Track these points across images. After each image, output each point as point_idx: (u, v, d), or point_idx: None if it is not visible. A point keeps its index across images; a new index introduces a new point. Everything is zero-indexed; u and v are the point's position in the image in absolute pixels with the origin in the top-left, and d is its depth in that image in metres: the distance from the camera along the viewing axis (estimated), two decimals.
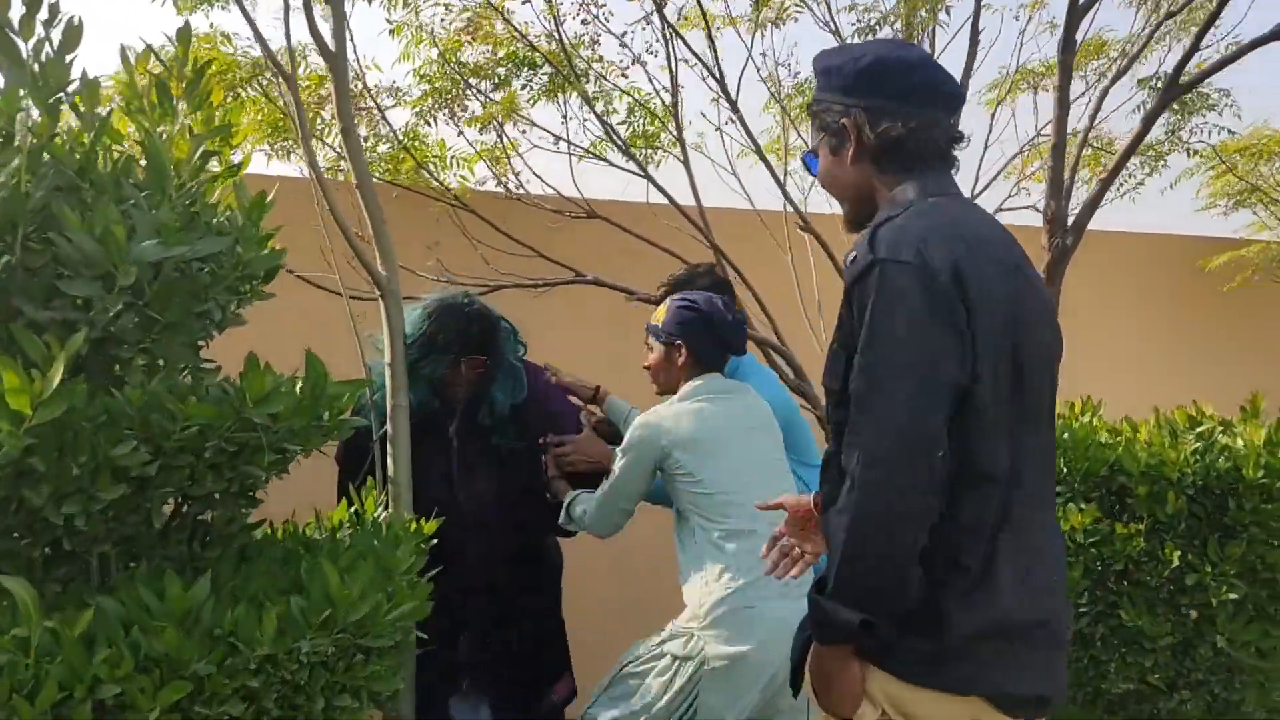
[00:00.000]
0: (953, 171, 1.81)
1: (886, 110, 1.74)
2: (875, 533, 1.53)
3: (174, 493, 1.91)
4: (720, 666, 2.57)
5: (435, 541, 2.47)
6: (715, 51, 4.04)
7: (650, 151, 4.33)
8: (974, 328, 1.58)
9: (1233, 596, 3.46)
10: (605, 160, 4.23)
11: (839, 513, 1.56)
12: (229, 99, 3.65)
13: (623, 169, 4.17)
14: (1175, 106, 5.90)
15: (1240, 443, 3.68)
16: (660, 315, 2.89)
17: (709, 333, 2.84)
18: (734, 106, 3.95)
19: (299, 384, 2.03)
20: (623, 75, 4.37)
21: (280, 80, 4.02)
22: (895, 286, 1.57)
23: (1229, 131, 5.91)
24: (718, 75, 4.05)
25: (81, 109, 1.95)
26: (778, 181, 3.97)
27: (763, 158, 3.95)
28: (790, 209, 4.15)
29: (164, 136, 2.09)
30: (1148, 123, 3.34)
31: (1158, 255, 6.28)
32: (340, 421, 2.13)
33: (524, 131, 4.33)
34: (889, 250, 1.60)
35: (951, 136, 1.78)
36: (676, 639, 2.68)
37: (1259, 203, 6.66)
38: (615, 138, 4.19)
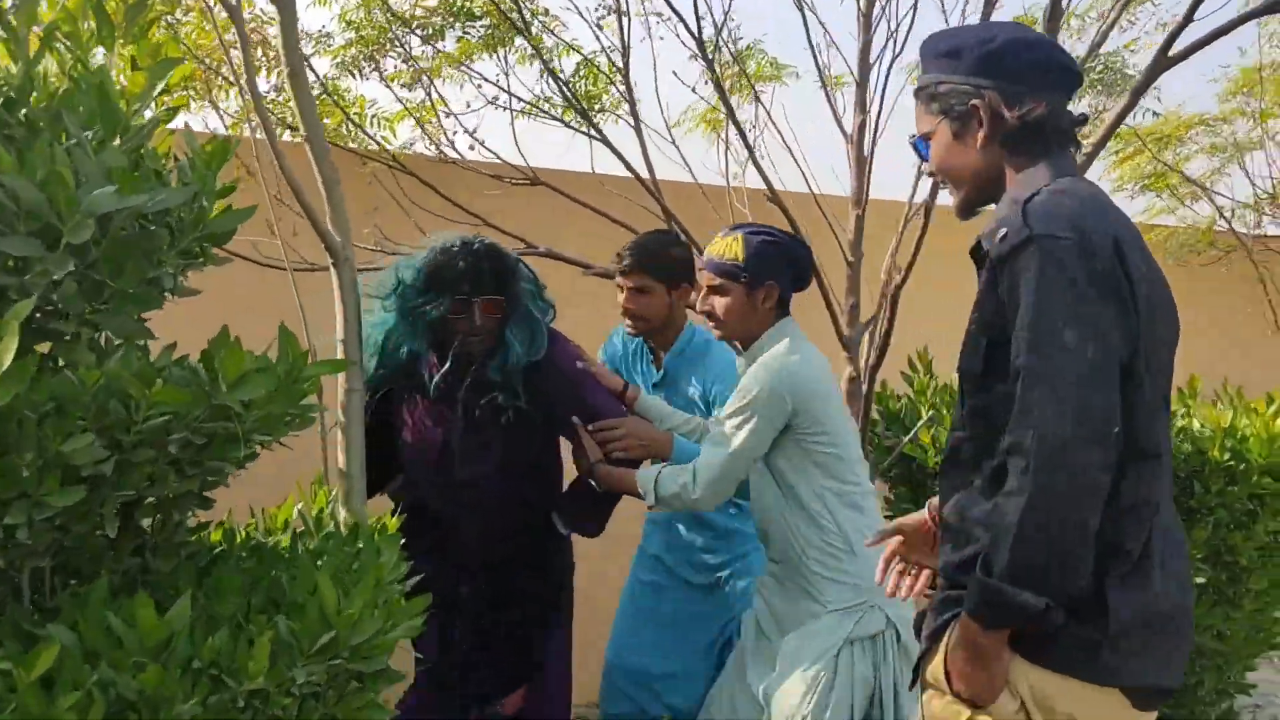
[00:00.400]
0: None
1: (1020, 92, 1.73)
2: (1054, 513, 1.49)
3: (133, 495, 1.59)
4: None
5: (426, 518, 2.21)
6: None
7: (596, 114, 4.05)
8: (1135, 302, 1.57)
9: (1199, 580, 3.45)
10: (561, 121, 3.94)
11: (1009, 494, 1.52)
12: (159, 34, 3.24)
13: (576, 129, 3.90)
14: (1100, 86, 5.96)
15: (1197, 424, 3.68)
16: (728, 252, 2.55)
17: (795, 269, 2.58)
18: (709, 63, 3.70)
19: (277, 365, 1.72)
20: (563, 25, 4.10)
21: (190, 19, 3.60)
22: (1057, 261, 1.54)
23: (1153, 114, 6.00)
24: (695, 32, 3.78)
25: (14, 24, 1.59)
26: (750, 152, 3.75)
27: (738, 127, 3.73)
28: (740, 184, 3.95)
29: (106, 67, 1.74)
30: (1135, 95, 3.25)
31: None
32: (306, 408, 1.83)
33: (461, 87, 4.01)
34: (1046, 225, 1.57)
35: (1075, 118, 1.77)
36: (844, 623, 2.40)
37: (1165, 187, 6.81)
38: (569, 96, 3.90)
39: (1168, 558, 1.63)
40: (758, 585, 2.68)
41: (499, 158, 4.01)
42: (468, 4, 3.87)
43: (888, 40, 3.85)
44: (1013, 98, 1.73)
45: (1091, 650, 1.57)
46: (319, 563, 1.87)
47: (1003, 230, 1.62)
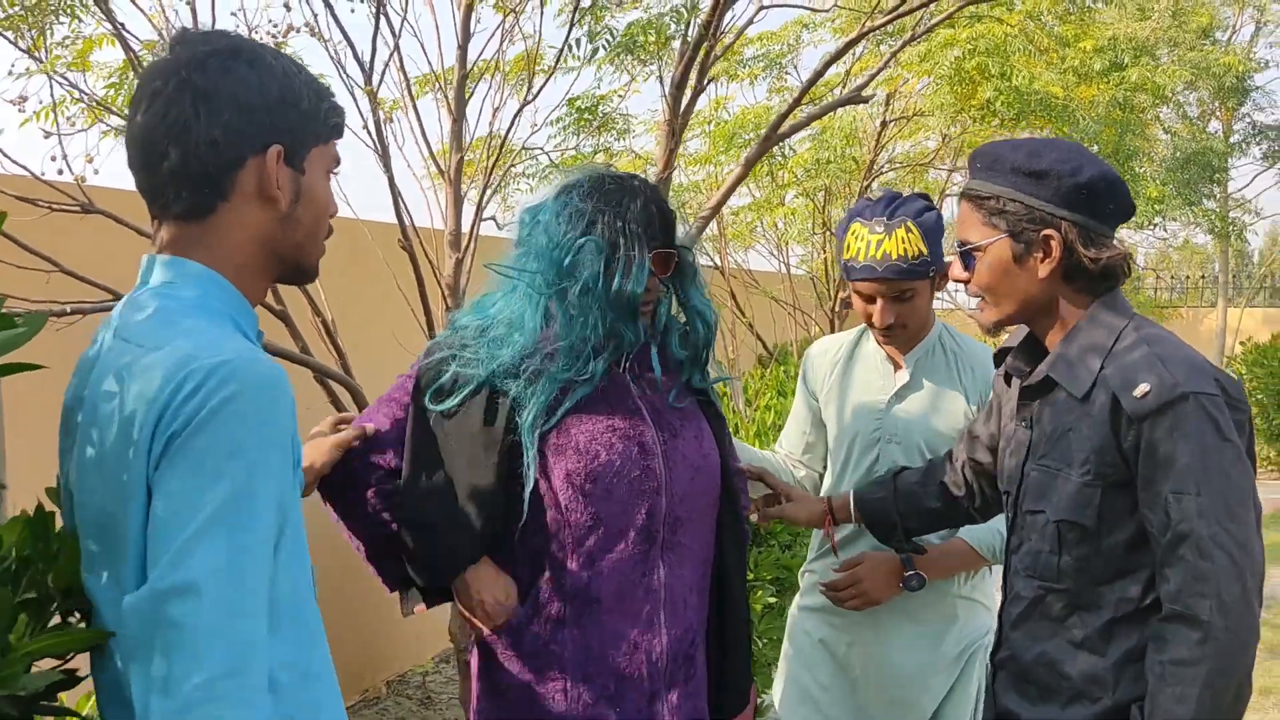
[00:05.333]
0: None
1: (1098, 231, 1.68)
2: (1235, 676, 1.53)
3: None
4: None
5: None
6: None
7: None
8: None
9: (770, 600, 4.11)
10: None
11: (1182, 663, 1.53)
12: None
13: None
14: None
15: None
16: (910, 249, 2.17)
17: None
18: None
19: None
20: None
21: None
22: (1213, 420, 1.55)
23: None
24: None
25: None
26: (393, 190, 3.45)
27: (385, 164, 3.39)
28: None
29: None
30: (748, 165, 3.62)
31: None
32: None
33: None
34: (1196, 381, 1.57)
35: (1130, 256, 1.75)
36: (986, 642, 2.28)
37: None
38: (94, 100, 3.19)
39: None
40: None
41: (33, 174, 3.17)
42: None
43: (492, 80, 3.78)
44: (1088, 235, 1.67)
45: None
46: None
47: (1144, 385, 1.57)
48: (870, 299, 2.28)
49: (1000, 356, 1.90)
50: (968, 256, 1.75)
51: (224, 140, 1.29)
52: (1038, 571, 1.72)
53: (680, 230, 1.94)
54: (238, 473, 1.14)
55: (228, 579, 1.12)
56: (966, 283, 1.77)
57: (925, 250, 2.19)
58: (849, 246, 2.27)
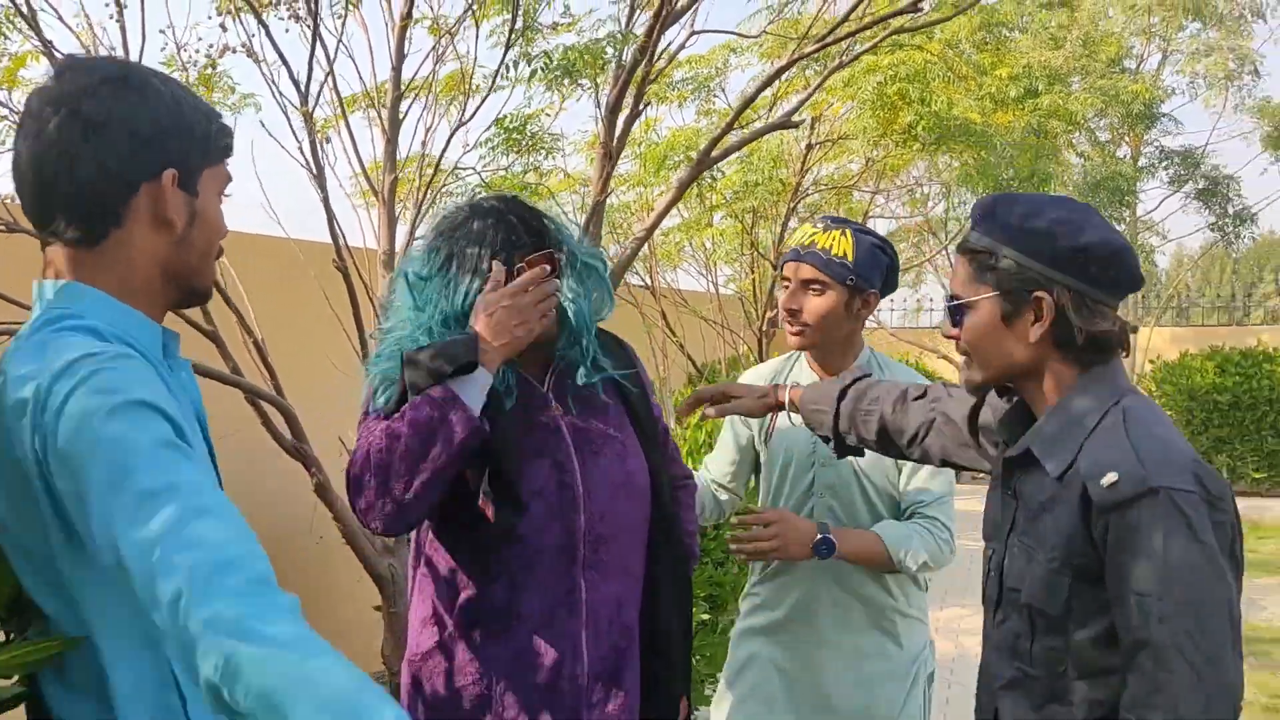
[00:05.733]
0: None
1: (1094, 298, 1.56)
2: None
3: None
4: None
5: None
6: None
7: None
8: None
9: (704, 617, 4.12)
10: None
11: None
12: None
13: None
14: None
15: None
16: (836, 248, 2.26)
17: (889, 281, 2.35)
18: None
19: None
20: None
21: None
22: (1186, 519, 1.42)
23: None
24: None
25: None
26: (328, 210, 3.44)
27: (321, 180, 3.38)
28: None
29: None
30: (680, 189, 3.68)
31: None
32: None
33: None
34: (1168, 475, 1.44)
35: (1130, 327, 1.62)
36: (926, 656, 2.40)
37: None
38: None
39: None
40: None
41: None
42: None
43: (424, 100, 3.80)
44: (1082, 301, 1.55)
45: None
46: None
47: (1112, 475, 1.46)
48: (788, 284, 2.36)
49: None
50: (957, 311, 1.64)
51: (117, 168, 1.28)
52: (1016, 654, 1.62)
53: (552, 230, 1.92)
54: (118, 447, 1.14)
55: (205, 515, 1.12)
56: (956, 339, 1.67)
57: (851, 257, 2.25)
58: (791, 240, 2.37)
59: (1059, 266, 1.55)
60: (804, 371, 2.49)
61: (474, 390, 1.73)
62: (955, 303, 1.65)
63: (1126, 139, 13.50)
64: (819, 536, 2.23)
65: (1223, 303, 16.49)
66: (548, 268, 1.85)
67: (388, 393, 1.81)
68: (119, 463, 1.13)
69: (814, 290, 2.30)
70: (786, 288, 2.36)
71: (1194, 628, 1.39)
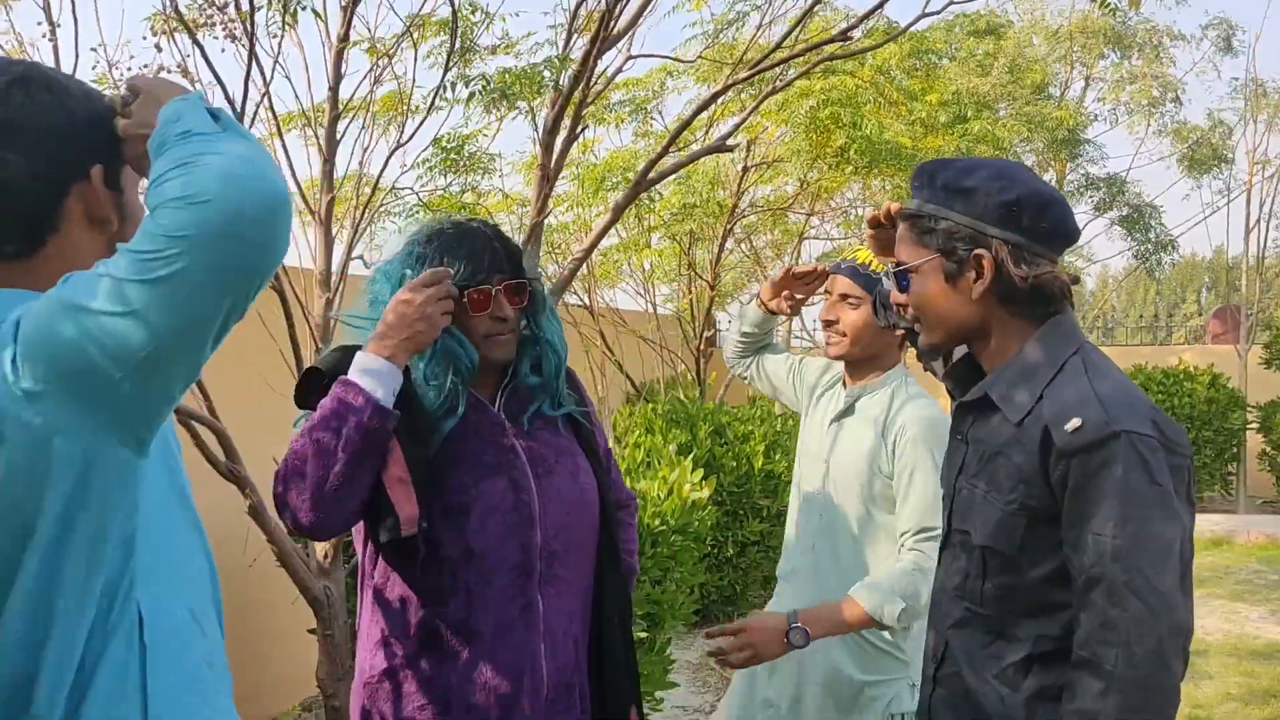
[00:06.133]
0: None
1: (1030, 249, 1.61)
2: None
3: None
4: None
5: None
6: None
7: None
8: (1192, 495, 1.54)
9: (641, 635, 4.08)
10: None
11: (1086, 713, 1.46)
12: None
13: None
14: None
15: None
16: (871, 261, 2.33)
17: None
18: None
19: None
20: None
21: None
22: (1144, 461, 1.47)
23: None
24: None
25: None
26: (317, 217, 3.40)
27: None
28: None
29: None
30: (617, 211, 3.71)
31: None
32: None
33: None
34: (1130, 420, 1.49)
35: (1073, 278, 1.68)
36: (899, 694, 2.41)
37: None
38: None
39: None
40: None
41: None
42: None
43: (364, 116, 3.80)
44: (1019, 253, 1.60)
45: None
46: None
47: (1075, 420, 1.50)
48: (829, 295, 2.51)
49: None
50: (902, 277, 1.70)
51: (46, 172, 1.23)
52: (965, 593, 1.67)
53: (528, 264, 2.01)
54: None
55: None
56: (904, 306, 1.73)
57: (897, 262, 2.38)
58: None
59: (993, 222, 1.60)
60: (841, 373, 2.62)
61: (379, 382, 1.76)
62: (900, 268, 1.70)
63: (1052, 164, 13.86)
64: (791, 628, 2.24)
65: (1146, 323, 16.96)
66: (510, 288, 1.92)
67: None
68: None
69: (850, 303, 2.42)
70: (828, 298, 2.49)
71: (1147, 565, 1.44)
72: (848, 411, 2.52)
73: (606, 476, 2.10)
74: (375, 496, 1.81)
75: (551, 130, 3.52)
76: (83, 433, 1.11)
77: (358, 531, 1.98)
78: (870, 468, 2.42)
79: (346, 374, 1.78)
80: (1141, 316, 20.28)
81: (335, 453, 1.72)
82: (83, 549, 1.15)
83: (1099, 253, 16.68)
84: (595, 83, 3.72)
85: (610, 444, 2.79)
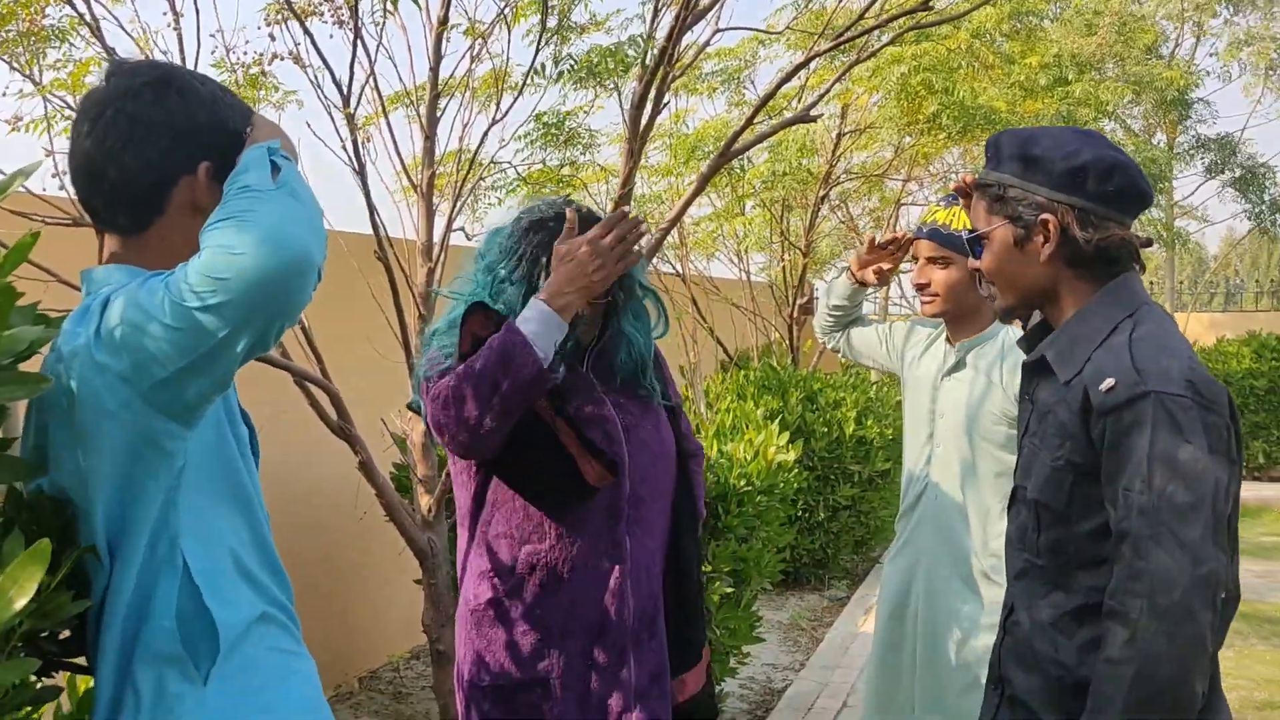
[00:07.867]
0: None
1: (1096, 213, 1.68)
2: (1163, 683, 1.47)
3: None
4: None
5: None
6: None
7: None
8: (1239, 455, 1.59)
9: (728, 590, 4.12)
10: None
11: (1111, 661, 1.51)
12: None
13: None
14: None
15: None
16: (956, 222, 2.45)
17: None
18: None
19: None
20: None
21: None
22: (1173, 420, 1.52)
23: None
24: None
25: None
26: (369, 204, 3.64)
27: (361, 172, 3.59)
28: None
29: None
30: (703, 181, 3.81)
31: None
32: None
33: None
34: (1160, 380, 1.55)
35: (1143, 241, 1.74)
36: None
37: None
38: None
39: (1217, 684, 1.62)
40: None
41: (30, 190, 3.35)
42: None
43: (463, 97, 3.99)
44: (1086, 217, 1.67)
45: None
46: None
47: (1110, 380, 1.57)
48: (918, 260, 2.62)
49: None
50: (976, 244, 1.80)
51: (158, 163, 1.44)
52: (1025, 545, 1.75)
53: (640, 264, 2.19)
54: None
55: None
56: (979, 271, 1.82)
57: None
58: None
59: (1059, 187, 1.68)
60: (942, 334, 2.73)
61: (545, 333, 1.95)
62: (973, 234, 1.81)
63: (1161, 126, 13.42)
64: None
65: (1264, 288, 16.31)
66: (627, 210, 2.09)
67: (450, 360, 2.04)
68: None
69: (938, 264, 2.55)
70: (916, 263, 2.62)
71: (1174, 519, 1.49)
72: (959, 366, 2.64)
73: (679, 427, 2.29)
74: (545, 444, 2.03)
75: (638, 106, 3.66)
76: (133, 405, 1.35)
77: (459, 474, 2.19)
78: (986, 414, 2.55)
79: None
80: (1258, 282, 19.45)
81: (491, 402, 1.92)
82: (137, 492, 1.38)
83: (1217, 215, 16.07)
84: (683, 57, 3.83)
85: (703, 409, 2.96)
